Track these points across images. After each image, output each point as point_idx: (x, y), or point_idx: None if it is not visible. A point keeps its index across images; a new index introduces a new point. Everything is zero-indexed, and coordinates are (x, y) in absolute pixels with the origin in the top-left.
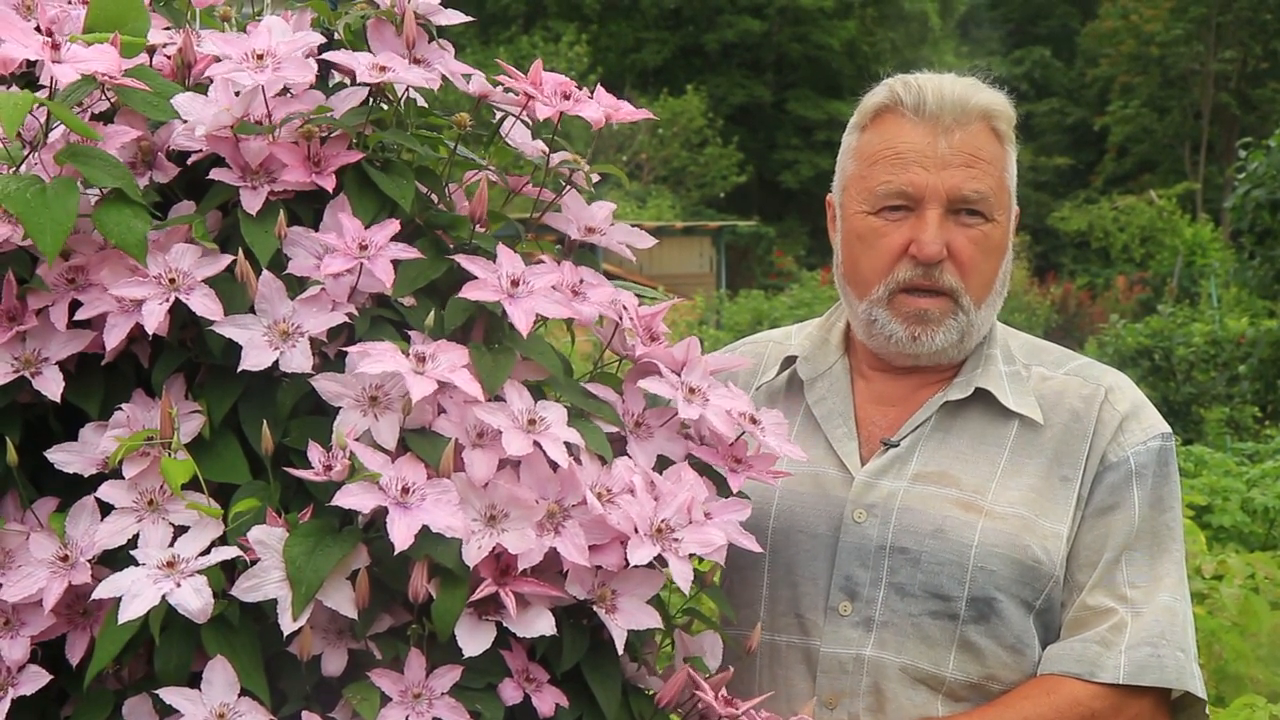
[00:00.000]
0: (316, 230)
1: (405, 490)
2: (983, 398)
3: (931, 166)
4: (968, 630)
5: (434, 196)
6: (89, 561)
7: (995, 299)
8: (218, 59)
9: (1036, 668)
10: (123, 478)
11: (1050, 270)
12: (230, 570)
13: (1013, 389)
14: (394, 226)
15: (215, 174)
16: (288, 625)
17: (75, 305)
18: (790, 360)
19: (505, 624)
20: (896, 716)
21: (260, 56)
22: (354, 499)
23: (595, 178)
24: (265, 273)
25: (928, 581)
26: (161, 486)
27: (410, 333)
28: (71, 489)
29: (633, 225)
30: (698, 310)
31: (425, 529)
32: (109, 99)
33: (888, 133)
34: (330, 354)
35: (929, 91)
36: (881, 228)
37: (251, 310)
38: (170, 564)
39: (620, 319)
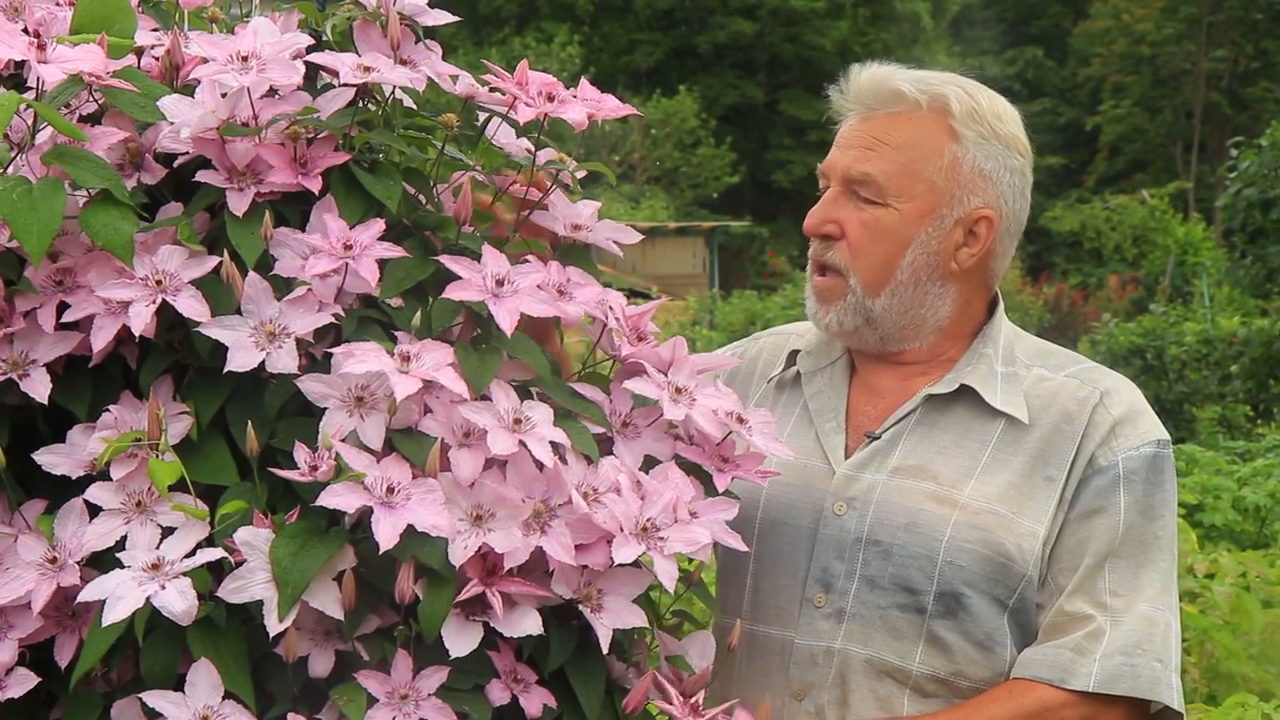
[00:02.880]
0: (303, 232)
1: (390, 490)
2: (970, 395)
3: (843, 146)
4: (935, 624)
5: (421, 197)
6: (77, 563)
7: (900, 290)
8: (204, 60)
9: (1008, 666)
10: (111, 479)
11: (1043, 270)
12: (217, 572)
13: (1003, 388)
14: (379, 226)
15: (201, 176)
16: (274, 626)
17: (63, 307)
18: (795, 354)
19: (492, 624)
20: (861, 709)
21: (245, 58)
22: (338, 499)
23: (581, 174)
24: (251, 274)
25: (897, 574)
26: (149, 488)
27: (396, 333)
28: (60, 491)
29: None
30: (691, 310)
31: (411, 529)
32: (97, 100)
33: (841, 119)
34: (317, 355)
35: (854, 77)
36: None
37: (238, 311)
38: (155, 566)
39: (606, 319)
